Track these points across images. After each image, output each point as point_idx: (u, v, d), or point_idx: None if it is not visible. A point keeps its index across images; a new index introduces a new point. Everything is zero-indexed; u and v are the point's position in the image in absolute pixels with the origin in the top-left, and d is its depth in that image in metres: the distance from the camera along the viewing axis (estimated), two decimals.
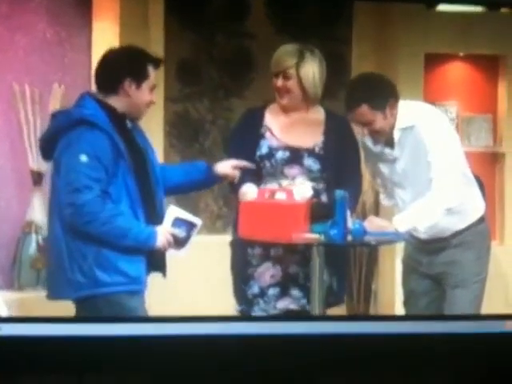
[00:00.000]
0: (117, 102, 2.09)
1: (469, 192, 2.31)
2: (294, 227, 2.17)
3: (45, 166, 2.72)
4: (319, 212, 2.22)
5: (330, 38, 3.15)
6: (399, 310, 2.50)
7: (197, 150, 3.07)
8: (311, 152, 2.27)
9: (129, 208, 2.05)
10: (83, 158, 2.00)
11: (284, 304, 2.27)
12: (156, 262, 2.12)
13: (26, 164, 2.71)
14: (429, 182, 2.23)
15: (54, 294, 2.09)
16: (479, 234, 2.32)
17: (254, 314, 2.25)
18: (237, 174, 2.22)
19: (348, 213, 2.18)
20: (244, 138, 2.28)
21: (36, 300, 2.48)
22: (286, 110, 2.31)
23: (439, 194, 2.22)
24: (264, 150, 2.27)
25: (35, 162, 2.71)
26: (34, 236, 2.70)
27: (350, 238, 2.18)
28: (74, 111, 2.09)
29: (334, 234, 2.15)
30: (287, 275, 2.27)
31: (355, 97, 2.25)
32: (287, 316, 2.25)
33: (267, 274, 2.26)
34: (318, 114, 2.33)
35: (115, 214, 2.02)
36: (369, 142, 2.33)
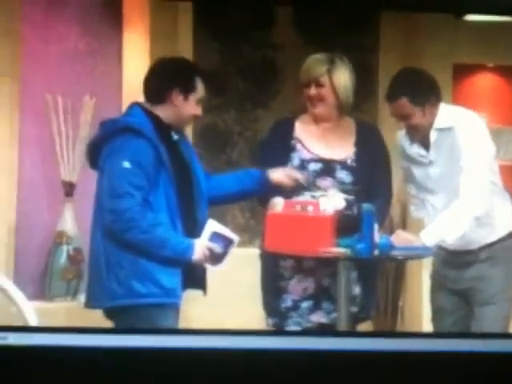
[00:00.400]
0: (163, 112, 2.11)
1: (499, 204, 2.28)
2: (320, 240, 2.17)
3: (76, 177, 2.79)
4: (346, 225, 2.21)
5: (356, 48, 3.15)
6: (427, 326, 2.48)
7: (224, 161, 3.10)
8: (344, 164, 2.26)
9: (167, 218, 2.06)
10: (126, 164, 2.02)
11: (316, 317, 2.26)
12: (196, 278, 2.12)
13: (58, 175, 2.75)
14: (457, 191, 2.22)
15: (90, 303, 2.11)
16: (509, 249, 2.29)
17: (287, 327, 2.23)
18: (291, 182, 2.20)
19: (376, 227, 2.18)
20: (274, 151, 2.26)
21: (66, 310, 2.52)
22: (318, 119, 2.29)
23: (466, 202, 2.20)
24: (296, 162, 2.26)
25: (67, 172, 2.76)
26: (64, 247, 2.74)
27: (376, 252, 2.17)
28: (120, 119, 2.13)
29: (361, 247, 2.14)
30: (320, 288, 2.25)
31: (397, 89, 2.24)
32: (313, 331, 2.25)
33: (300, 286, 2.25)
34: (349, 124, 2.32)
35: (155, 224, 2.03)
36: (405, 143, 2.32)
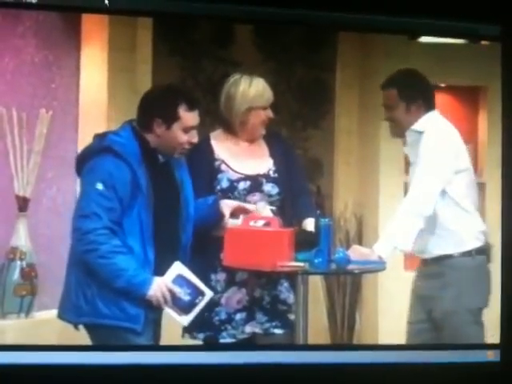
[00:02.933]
0: (150, 138, 2.11)
1: (465, 218, 2.32)
2: (278, 255, 2.18)
3: (30, 192, 2.73)
4: (303, 240, 2.24)
5: (314, 65, 3.21)
6: (383, 338, 2.52)
7: None
8: (267, 177, 2.32)
9: (139, 243, 2.03)
10: (99, 186, 2.01)
11: (250, 328, 2.28)
12: (152, 317, 2.08)
13: (12, 189, 2.69)
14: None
15: (60, 315, 2.09)
16: (477, 264, 2.32)
17: (222, 339, 2.24)
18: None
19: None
20: (198, 174, 2.25)
21: (19, 327, 2.45)
22: (246, 140, 2.33)
23: (410, 204, 2.26)
24: (224, 184, 2.28)
25: (21, 187, 2.70)
26: (18, 262, 2.66)
27: (333, 266, 2.20)
28: (107, 137, 2.10)
29: (319, 262, 2.17)
30: (252, 299, 2.28)
31: (392, 80, 2.38)
32: (271, 345, 2.26)
33: (234, 299, 2.26)
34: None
35: (117, 252, 2.00)
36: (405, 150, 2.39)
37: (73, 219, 2.04)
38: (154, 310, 2.07)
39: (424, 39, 2.94)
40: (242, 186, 2.29)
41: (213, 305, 2.23)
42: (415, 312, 2.37)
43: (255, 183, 2.30)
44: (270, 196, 2.30)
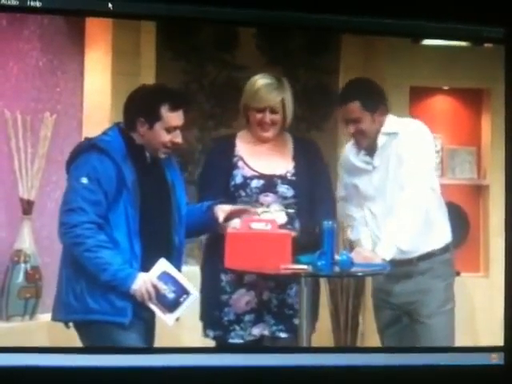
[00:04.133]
0: (135, 137, 2.14)
1: (437, 215, 2.35)
2: (281, 257, 2.18)
3: (34, 195, 2.74)
4: (306, 242, 2.24)
5: (317, 69, 3.22)
6: None
7: (185, 179, 3.10)
8: (284, 179, 2.31)
9: (125, 237, 2.05)
10: (84, 180, 2.03)
11: (258, 330, 2.28)
12: (142, 315, 2.08)
13: (17, 192, 2.70)
14: (397, 196, 2.28)
15: (53, 316, 2.11)
16: (445, 262, 2.36)
17: (230, 340, 2.25)
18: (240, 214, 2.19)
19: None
20: (217, 169, 2.30)
21: (23, 330, 2.46)
22: (262, 140, 2.34)
23: (408, 202, 2.26)
24: (238, 179, 2.30)
25: (25, 190, 2.71)
26: (22, 265, 2.67)
27: (337, 268, 2.20)
28: (94, 137, 2.14)
29: (322, 264, 2.17)
30: (260, 301, 2.29)
31: (350, 92, 2.36)
32: (274, 347, 2.26)
33: (242, 300, 2.27)
34: (286, 139, 2.38)
35: (102, 246, 2.02)
36: (351, 153, 2.40)
37: (59, 214, 2.07)
38: (143, 307, 2.07)
39: (427, 42, 2.94)
40: (254, 183, 2.30)
41: (222, 304, 2.25)
42: (394, 318, 2.38)
43: (269, 183, 2.30)
44: (284, 198, 2.29)
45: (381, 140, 2.35)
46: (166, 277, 2.04)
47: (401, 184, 2.31)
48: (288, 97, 2.33)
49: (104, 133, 2.16)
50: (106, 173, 2.05)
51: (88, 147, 2.09)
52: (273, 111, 2.33)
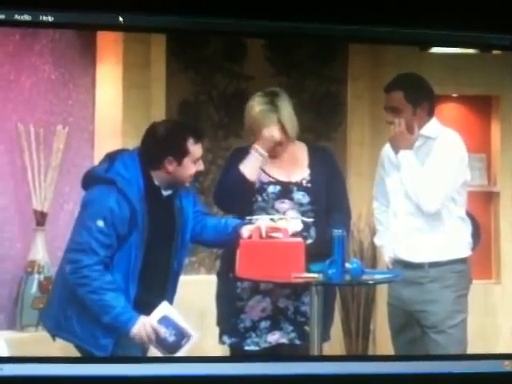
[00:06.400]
0: (157, 176, 2.14)
1: (457, 227, 2.36)
2: (292, 266, 2.19)
3: (48, 207, 2.77)
4: (317, 251, 2.25)
5: (325, 78, 3.23)
6: None
7: (195, 189, 3.12)
8: (299, 186, 2.35)
9: (122, 279, 2.07)
10: (100, 223, 2.04)
11: (275, 338, 2.29)
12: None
13: (30, 204, 2.73)
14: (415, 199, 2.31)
15: (42, 317, 2.18)
16: (458, 273, 2.35)
17: (246, 347, 2.27)
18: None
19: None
20: (235, 176, 2.32)
21: (37, 340, 2.48)
22: (275, 157, 2.38)
23: (416, 201, 2.29)
24: (256, 185, 2.34)
25: (39, 202, 2.74)
26: (36, 276, 2.70)
27: (348, 277, 2.20)
28: (114, 166, 2.11)
29: (333, 273, 2.17)
30: (276, 308, 2.30)
31: (397, 82, 2.39)
32: (285, 356, 2.26)
33: (258, 307, 2.29)
34: (301, 148, 2.41)
35: (108, 289, 2.04)
36: (391, 153, 2.41)
37: (68, 250, 2.08)
38: (127, 345, 2.08)
39: (435, 50, 2.95)
40: (271, 189, 2.34)
41: (238, 311, 2.27)
42: (406, 324, 2.38)
43: (285, 190, 2.34)
44: (300, 205, 2.33)
45: (418, 141, 2.36)
46: (166, 321, 2.05)
47: (423, 188, 2.31)
48: (285, 113, 2.34)
49: (125, 164, 2.11)
50: (122, 215, 2.05)
51: (108, 181, 2.07)
52: None
